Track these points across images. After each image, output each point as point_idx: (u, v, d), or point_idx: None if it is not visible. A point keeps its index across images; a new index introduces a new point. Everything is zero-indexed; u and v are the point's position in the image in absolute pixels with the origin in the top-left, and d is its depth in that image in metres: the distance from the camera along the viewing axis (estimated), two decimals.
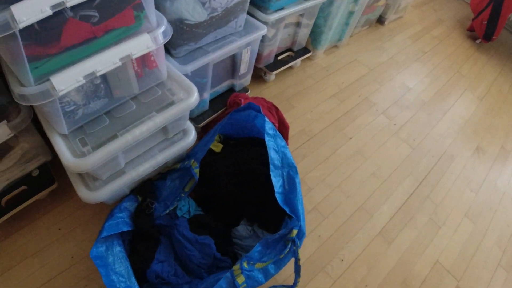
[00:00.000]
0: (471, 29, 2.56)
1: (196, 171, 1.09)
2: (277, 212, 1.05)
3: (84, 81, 0.80)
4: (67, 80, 0.77)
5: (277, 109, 1.45)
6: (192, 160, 1.12)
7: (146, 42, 0.84)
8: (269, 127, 1.07)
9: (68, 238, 1.16)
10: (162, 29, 0.87)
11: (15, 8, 0.61)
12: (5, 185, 1.12)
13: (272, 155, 1.01)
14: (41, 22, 0.67)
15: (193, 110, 1.29)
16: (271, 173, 0.98)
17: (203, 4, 1.02)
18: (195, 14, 1.02)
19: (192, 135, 1.11)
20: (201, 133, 1.46)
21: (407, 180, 1.51)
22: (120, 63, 0.83)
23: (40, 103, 0.77)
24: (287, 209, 0.97)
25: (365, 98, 1.81)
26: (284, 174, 1.03)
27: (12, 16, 0.61)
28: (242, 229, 1.11)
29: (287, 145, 1.42)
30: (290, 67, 1.83)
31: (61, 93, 0.77)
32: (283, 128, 1.45)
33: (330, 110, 1.70)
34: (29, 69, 0.73)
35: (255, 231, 1.10)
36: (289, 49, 1.78)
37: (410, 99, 1.89)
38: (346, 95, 1.80)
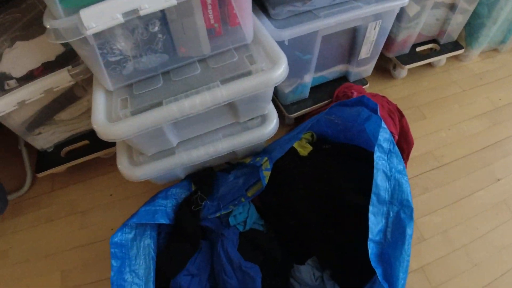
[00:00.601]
0: None
1: (266, 174, 0.80)
2: (365, 264, 0.69)
3: (122, 20, 0.56)
4: (100, 16, 0.55)
5: (401, 115, 1.05)
6: (265, 158, 0.82)
7: None
8: (384, 137, 0.71)
9: (116, 206, 1.09)
10: None
11: None
12: (68, 136, 1.11)
13: (379, 181, 0.66)
14: None
15: (286, 95, 0.99)
16: (370, 207, 0.63)
17: None
18: None
19: (272, 124, 0.81)
20: (293, 125, 1.14)
21: None
22: (175, 2, 0.56)
23: (67, 40, 0.57)
24: (378, 271, 0.61)
25: None
26: (391, 214, 0.67)
27: None
28: (306, 271, 0.77)
29: (406, 166, 1.02)
30: (430, 65, 1.38)
31: (90, 31, 0.56)
32: (404, 144, 1.05)
33: (477, 134, 1.22)
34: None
35: (324, 281, 0.76)
36: (434, 40, 1.33)
37: None
38: (503, 117, 1.28)
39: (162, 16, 0.64)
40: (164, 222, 0.83)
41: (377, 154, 0.67)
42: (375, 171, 0.64)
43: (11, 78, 0.86)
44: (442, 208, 1.03)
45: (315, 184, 0.82)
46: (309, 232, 0.80)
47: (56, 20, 0.56)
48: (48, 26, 0.56)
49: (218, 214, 0.85)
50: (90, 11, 0.54)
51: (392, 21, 0.96)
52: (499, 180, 1.11)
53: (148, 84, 0.73)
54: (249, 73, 0.69)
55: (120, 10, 0.55)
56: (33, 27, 0.87)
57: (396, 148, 0.72)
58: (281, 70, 0.67)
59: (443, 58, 1.33)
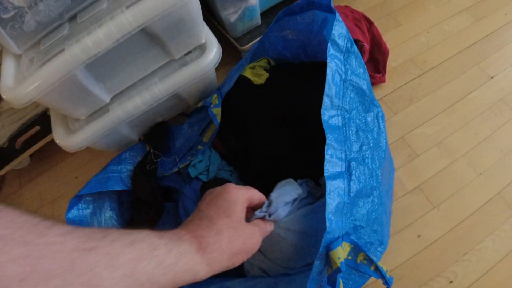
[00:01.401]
0: None
1: (216, 111, 0.68)
2: None
3: None
4: None
5: (370, 23, 0.91)
6: (214, 96, 0.70)
7: None
8: (340, 32, 0.57)
9: None
10: None
11: None
12: (18, 126, 1.03)
13: (333, 83, 0.53)
14: None
15: (234, 24, 0.86)
16: (321, 111, 0.50)
17: None
18: None
19: (212, 53, 0.69)
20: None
21: None
22: None
23: None
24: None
25: None
26: (351, 128, 0.55)
27: None
28: None
29: (384, 79, 0.91)
30: None
31: None
32: (378, 54, 0.92)
33: (459, 32, 1.08)
34: None
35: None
36: None
37: None
38: (486, 10, 1.13)
39: None
40: (119, 188, 0.72)
41: (331, 52, 0.54)
42: (328, 70, 0.51)
43: None
44: (433, 117, 0.91)
45: (277, 113, 0.70)
46: (279, 162, 0.69)
47: None
48: None
49: (176, 169, 0.75)
50: None
51: None
52: (492, 77, 0.99)
53: (54, 35, 0.60)
54: None
55: None
56: None
57: (355, 47, 0.59)
58: None
59: None
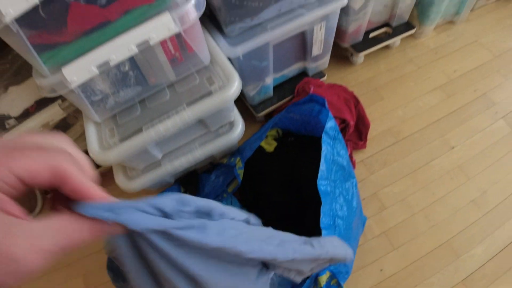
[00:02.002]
0: None
1: (240, 172, 0.94)
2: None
3: (97, 72, 0.69)
4: (79, 70, 0.69)
5: (357, 102, 1.18)
6: (238, 158, 0.96)
7: (168, 23, 0.68)
8: (330, 126, 0.84)
9: None
10: (191, 3, 0.70)
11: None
12: None
13: (325, 161, 0.79)
14: (43, 8, 0.59)
15: (253, 97, 1.13)
16: (318, 181, 0.76)
17: None
18: None
19: (238, 129, 0.95)
20: (264, 121, 1.28)
21: None
22: (137, 50, 0.69)
23: (56, 94, 0.71)
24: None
25: (482, 94, 1.39)
26: (336, 192, 0.81)
27: None
28: None
29: (365, 146, 1.17)
30: (387, 47, 1.49)
31: (74, 84, 0.69)
32: (361, 126, 1.18)
33: (431, 107, 1.34)
34: (41, 59, 0.67)
35: None
36: (386, 24, 1.43)
37: None
38: (457, 88, 1.41)
39: (130, 57, 0.76)
40: None
41: (325, 139, 0.81)
42: (322, 153, 0.78)
43: (9, 117, 0.99)
44: (400, 179, 1.17)
45: (281, 176, 0.97)
46: (281, 213, 0.95)
47: (44, 79, 0.69)
48: (38, 84, 0.69)
49: None
50: (70, 68, 0.67)
51: (336, 20, 1.08)
52: (453, 148, 1.25)
53: (128, 112, 0.86)
54: (209, 94, 0.82)
55: (94, 63, 0.68)
56: (21, 72, 0.98)
57: (341, 135, 0.86)
58: (234, 88, 0.80)
59: (397, 39, 1.44)
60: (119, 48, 0.68)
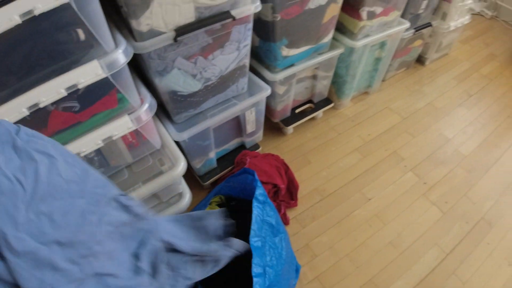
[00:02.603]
0: None
1: None
2: None
3: None
4: None
5: (287, 168, 1.42)
6: None
7: (127, 124, 0.89)
8: (260, 193, 1.05)
9: None
10: (145, 107, 0.92)
11: None
12: None
13: (255, 222, 0.99)
14: (29, 115, 0.76)
15: (199, 169, 1.33)
16: (249, 239, 0.95)
17: (194, 76, 1.05)
18: (186, 86, 1.06)
19: (186, 199, 1.15)
20: (211, 188, 1.48)
21: (431, 252, 1.36)
22: (102, 144, 0.89)
23: None
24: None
25: (393, 152, 1.71)
26: (266, 247, 1.00)
27: None
28: None
29: (296, 204, 1.39)
30: (312, 118, 1.79)
31: None
32: (292, 188, 1.42)
33: (350, 167, 1.62)
34: None
35: None
36: (309, 101, 1.75)
37: (447, 152, 1.74)
38: (371, 149, 1.71)
39: None
40: None
41: (255, 204, 1.02)
42: (253, 216, 0.98)
43: None
44: (327, 229, 1.39)
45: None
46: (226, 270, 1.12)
47: None
48: None
49: None
50: None
51: (264, 105, 1.35)
52: (370, 199, 1.51)
53: None
54: (160, 173, 1.02)
55: None
56: None
57: (269, 200, 1.08)
58: (180, 168, 1.01)
59: (319, 112, 1.75)
60: (89, 143, 0.87)
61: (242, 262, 1.14)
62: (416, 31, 1.86)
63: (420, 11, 1.82)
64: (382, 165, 1.65)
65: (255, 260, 0.90)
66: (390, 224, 1.43)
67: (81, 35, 0.78)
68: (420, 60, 2.27)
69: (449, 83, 2.16)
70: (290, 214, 1.42)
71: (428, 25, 1.93)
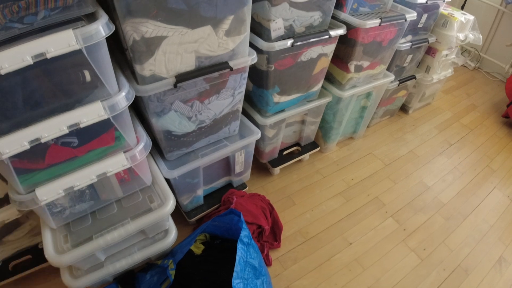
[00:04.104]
0: (506, 116, 2.39)
1: (172, 273, 1.12)
2: None
3: (63, 194, 0.90)
4: (49, 193, 0.89)
5: (272, 209, 1.46)
6: (170, 261, 1.15)
7: (122, 161, 0.93)
8: (245, 234, 1.09)
9: None
10: (140, 147, 0.96)
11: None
12: (13, 252, 1.31)
13: (239, 263, 1.01)
14: (31, 148, 0.79)
15: (186, 205, 1.36)
16: (232, 280, 0.97)
17: (189, 118, 1.11)
18: (181, 127, 1.12)
19: (172, 236, 1.16)
20: (196, 224, 1.50)
21: None
22: (96, 180, 0.92)
23: (28, 209, 0.89)
24: None
25: (374, 197, 1.77)
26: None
27: None
28: None
29: (279, 245, 1.41)
30: (299, 161, 1.85)
31: (43, 203, 0.89)
32: (276, 229, 1.45)
33: (333, 210, 1.67)
34: (19, 181, 0.86)
35: None
36: (297, 144, 1.81)
37: (426, 200, 1.80)
38: (354, 193, 1.77)
39: None
40: None
41: (239, 246, 1.04)
42: (237, 257, 1.00)
43: None
44: (308, 272, 1.41)
45: (207, 276, 1.17)
46: None
47: (19, 195, 0.87)
48: (13, 199, 0.87)
49: None
50: (42, 190, 0.87)
51: (253, 147, 1.40)
52: (351, 244, 1.54)
53: (81, 222, 1.06)
54: (149, 210, 1.05)
55: (62, 188, 0.89)
56: None
57: (254, 242, 1.11)
58: (169, 206, 1.04)
59: (306, 155, 1.81)
60: (83, 178, 0.90)
61: None
62: (401, 82, 1.97)
63: (405, 65, 1.95)
64: (364, 210, 1.70)
65: None
66: (370, 269, 1.46)
67: (87, 76, 0.82)
68: (403, 108, 2.39)
69: (431, 131, 2.27)
70: (273, 255, 1.44)
71: (412, 77, 2.05)
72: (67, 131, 0.81)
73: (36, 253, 1.32)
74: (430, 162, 2.04)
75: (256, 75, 1.31)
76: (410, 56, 1.92)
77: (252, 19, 1.07)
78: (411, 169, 1.97)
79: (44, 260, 1.23)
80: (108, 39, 0.78)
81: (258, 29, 1.21)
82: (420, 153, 2.09)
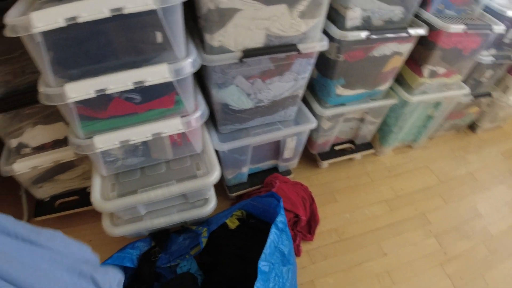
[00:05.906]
0: None
1: (204, 240, 1.16)
2: None
3: (119, 145, 0.94)
4: (106, 141, 0.94)
5: (312, 201, 1.44)
6: (205, 229, 1.19)
7: (177, 125, 0.95)
8: (280, 220, 1.08)
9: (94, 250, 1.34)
10: (197, 114, 0.98)
11: (67, 87, 0.78)
12: (62, 191, 1.42)
13: (269, 246, 1.01)
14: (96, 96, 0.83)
15: (229, 179, 1.38)
16: (259, 261, 0.97)
17: (249, 95, 1.11)
18: (239, 102, 1.12)
19: (211, 205, 1.19)
20: (235, 200, 1.52)
21: None
22: (151, 138, 0.95)
23: (84, 153, 0.96)
24: None
25: (421, 213, 1.67)
26: (272, 273, 1.03)
27: (64, 93, 0.79)
28: None
29: (312, 239, 1.40)
30: (350, 159, 1.79)
31: (99, 150, 0.94)
32: (312, 222, 1.43)
33: (375, 216, 1.61)
34: (80, 126, 0.92)
35: None
36: (351, 141, 1.76)
37: (475, 227, 1.68)
38: (401, 204, 1.69)
39: None
40: (129, 266, 1.15)
41: (273, 229, 1.04)
42: (268, 240, 1.01)
43: (27, 146, 1.19)
44: (336, 272, 1.39)
45: (236, 251, 1.19)
46: (229, 284, 1.16)
47: (78, 140, 0.93)
48: (72, 142, 0.93)
49: (168, 265, 1.20)
50: (101, 138, 0.92)
51: (306, 136, 1.38)
52: (386, 254, 1.49)
53: (130, 174, 1.11)
54: (195, 176, 1.08)
55: (118, 140, 0.93)
56: (51, 117, 1.18)
57: (288, 229, 1.10)
58: (214, 177, 1.06)
59: (358, 154, 1.76)
60: (139, 134, 0.94)
61: (245, 282, 1.17)
62: (475, 98, 1.82)
63: (483, 79, 1.79)
64: (407, 223, 1.62)
65: (258, 284, 0.93)
66: (399, 285, 1.40)
67: (159, 38, 0.84)
68: (472, 126, 2.21)
69: (496, 156, 2.09)
70: (304, 247, 1.43)
71: (488, 94, 1.88)
72: (132, 87, 0.84)
73: (83, 196, 1.42)
74: (488, 189, 1.88)
75: (323, 63, 1.27)
76: (489, 72, 1.76)
77: (329, 4, 1.03)
78: (466, 192, 1.83)
79: (89, 203, 1.28)
80: (183, 5, 0.79)
81: (333, 15, 1.16)
82: (480, 177, 1.93)
